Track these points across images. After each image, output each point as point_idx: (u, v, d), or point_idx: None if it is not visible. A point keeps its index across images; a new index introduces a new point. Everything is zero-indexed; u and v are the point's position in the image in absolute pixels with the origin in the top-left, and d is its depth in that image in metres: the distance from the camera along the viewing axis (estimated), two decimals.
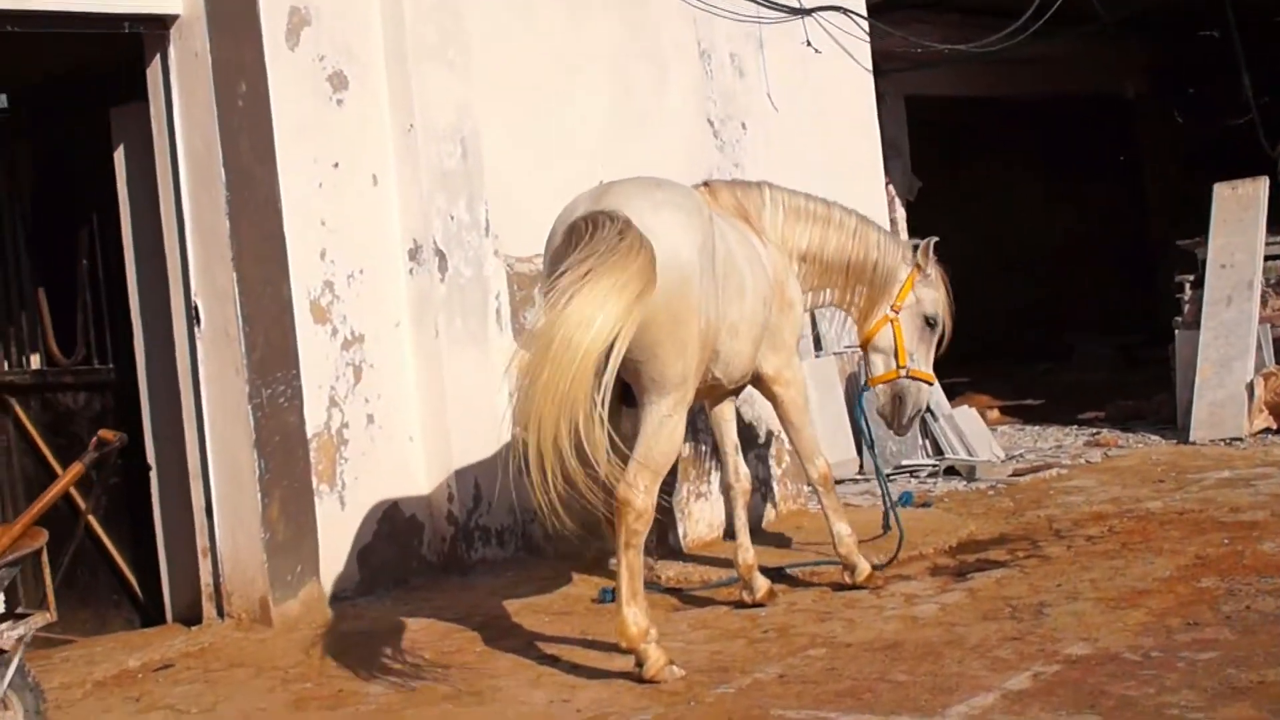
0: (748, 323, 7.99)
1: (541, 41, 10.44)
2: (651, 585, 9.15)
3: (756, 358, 8.33)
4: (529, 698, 7.23)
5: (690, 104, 11.55)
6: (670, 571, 9.47)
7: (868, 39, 13.09)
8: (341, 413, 9.40)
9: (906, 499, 10.99)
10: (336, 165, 9.47)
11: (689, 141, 11.44)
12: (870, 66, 13.37)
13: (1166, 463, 12.07)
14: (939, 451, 12.57)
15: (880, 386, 9.12)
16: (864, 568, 8.80)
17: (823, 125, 12.87)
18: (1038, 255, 20.95)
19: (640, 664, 7.29)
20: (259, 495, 8.78)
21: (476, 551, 9.91)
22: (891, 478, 12.16)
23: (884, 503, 9.71)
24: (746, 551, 8.70)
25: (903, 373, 9.02)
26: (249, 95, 8.89)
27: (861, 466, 12.44)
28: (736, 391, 8.80)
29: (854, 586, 8.77)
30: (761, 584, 8.64)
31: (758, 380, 8.64)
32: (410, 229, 9.80)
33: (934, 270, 9.11)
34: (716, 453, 10.00)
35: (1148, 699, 6.38)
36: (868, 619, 8.14)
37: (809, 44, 12.27)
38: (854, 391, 12.21)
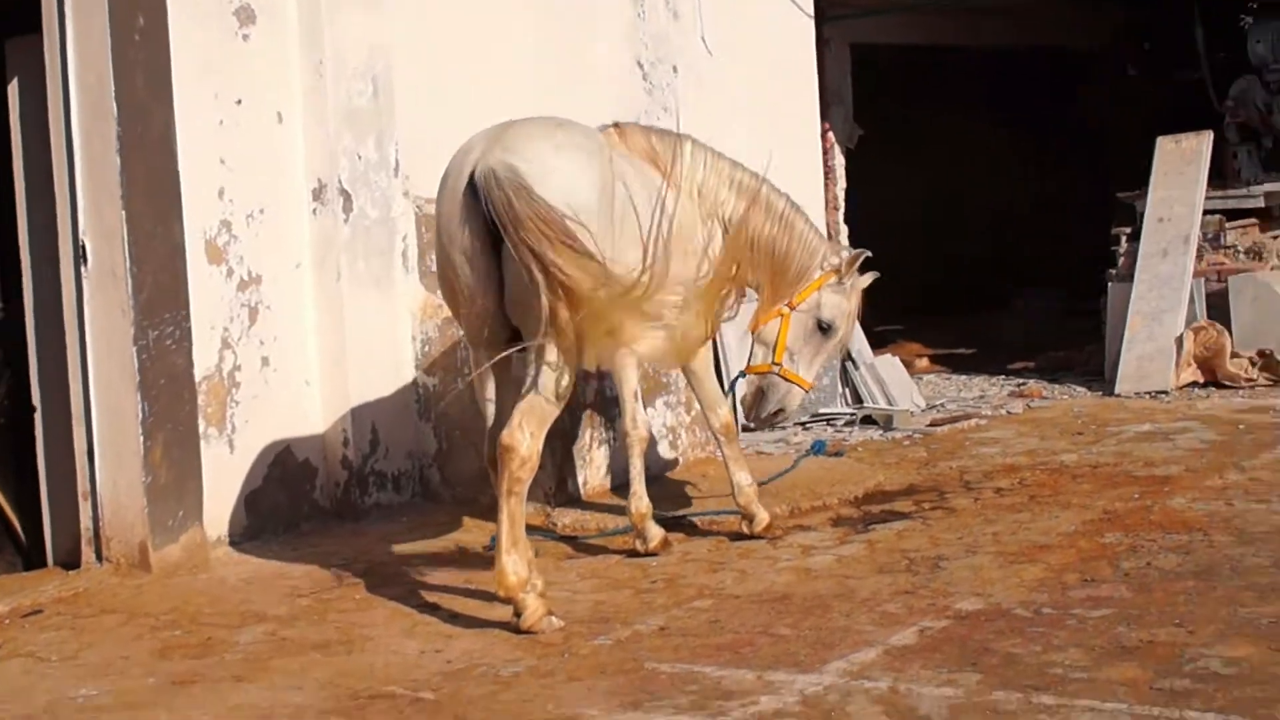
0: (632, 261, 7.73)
1: None
2: (546, 533, 8.96)
3: None
4: (401, 647, 6.98)
5: (620, 47, 11.32)
6: (566, 519, 9.21)
7: None
8: (235, 355, 9.14)
9: (819, 447, 10.77)
10: (239, 102, 9.19)
11: (617, 84, 11.21)
12: (811, 12, 13.11)
13: (1088, 415, 11.86)
14: (859, 400, 12.31)
15: (751, 375, 8.85)
16: (762, 517, 8.57)
17: (759, 70, 12.67)
18: (989, 208, 20.65)
19: (518, 614, 7.06)
20: (141, 438, 8.49)
21: (371, 496, 9.67)
22: (807, 425, 11.94)
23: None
24: (640, 500, 8.45)
25: (775, 369, 8.68)
26: (146, 29, 8.54)
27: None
28: None
29: (752, 536, 8.54)
30: (655, 533, 8.40)
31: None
32: (314, 169, 9.56)
33: (851, 282, 8.77)
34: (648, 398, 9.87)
35: (1032, 657, 6.16)
36: (760, 570, 7.92)
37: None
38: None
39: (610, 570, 8.18)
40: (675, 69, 11.66)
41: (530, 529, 8.92)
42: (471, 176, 7.00)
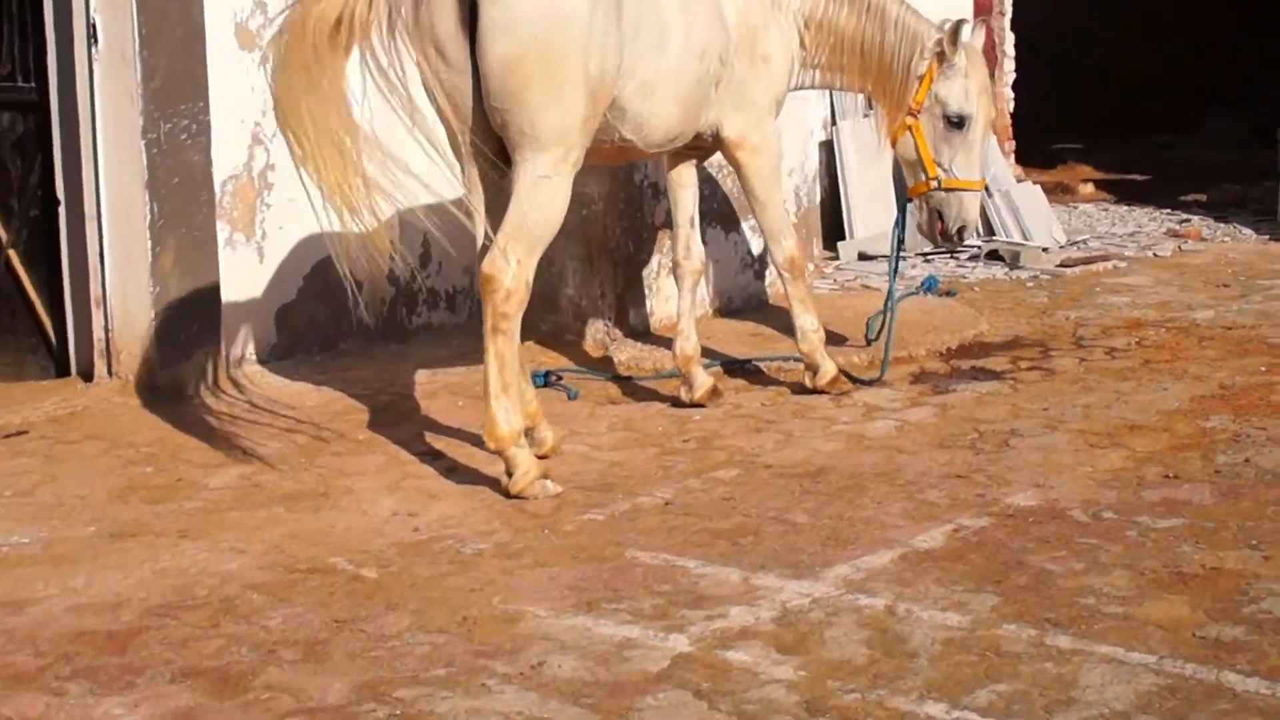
0: (671, 80, 6.74)
1: None
2: (597, 371, 8.09)
3: (702, 119, 7.10)
4: (374, 506, 6.19)
5: None
6: (624, 355, 8.34)
7: None
8: (267, 152, 8.29)
9: (929, 285, 9.68)
10: None
11: None
12: None
13: (1242, 264, 10.64)
14: (990, 231, 11.14)
15: (915, 199, 7.83)
16: (828, 369, 7.61)
17: None
18: (1186, 12, 18.95)
19: (509, 473, 6.21)
20: (149, 243, 7.75)
21: (420, 316, 8.88)
22: (928, 257, 10.84)
23: (886, 303, 8.35)
24: (687, 340, 7.54)
25: (934, 184, 7.65)
26: None
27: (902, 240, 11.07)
28: (698, 154, 7.57)
29: (815, 390, 7.59)
30: (701, 381, 7.49)
31: (719, 143, 7.38)
32: None
33: (962, 57, 7.62)
34: (720, 223, 8.93)
35: (1069, 578, 5.19)
36: (808, 434, 6.99)
37: None
38: None
39: (644, 422, 7.30)
40: None
41: (581, 366, 8.14)
42: None
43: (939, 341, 8.44)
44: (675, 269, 7.70)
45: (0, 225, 8.81)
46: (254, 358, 8.31)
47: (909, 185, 7.87)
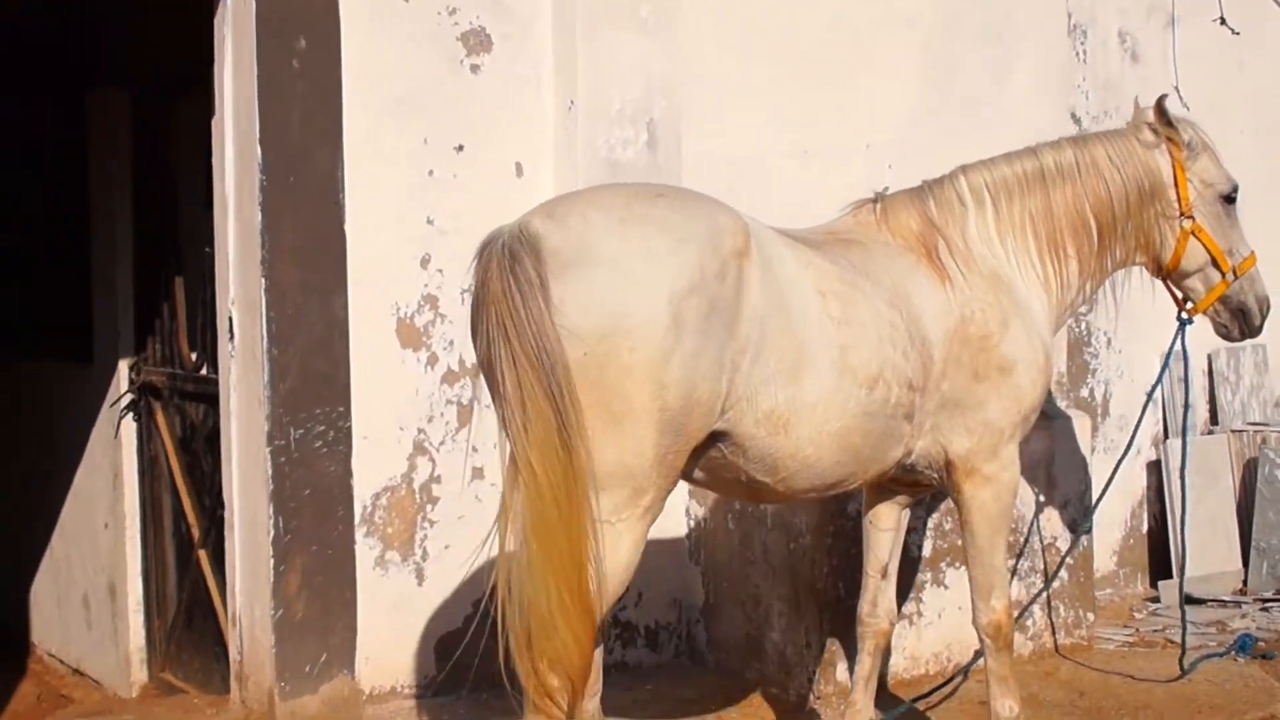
0: (820, 412, 5.30)
1: None
2: None
3: (889, 457, 5.71)
4: None
5: (1046, 90, 8.89)
6: (828, 716, 6.97)
7: None
8: (432, 463, 7.37)
9: (1244, 644, 7.92)
10: (460, 149, 7.43)
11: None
12: None
13: None
14: None
15: (1212, 309, 6.48)
16: None
17: (1266, 130, 9.90)
18: None
19: None
20: (271, 561, 6.90)
21: (614, 653, 7.72)
22: (1267, 606, 8.97)
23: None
24: (859, 714, 6.21)
25: (1230, 278, 6.34)
26: (308, 53, 6.93)
27: (1245, 582, 9.31)
28: (911, 490, 6.22)
29: None
30: None
31: (945, 468, 6.00)
32: None
33: (1189, 129, 6.32)
34: (963, 561, 7.41)
35: None
36: None
37: (1222, 21, 9.31)
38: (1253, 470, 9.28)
39: None
40: None
41: None
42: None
43: None
44: (859, 625, 6.32)
45: (195, 524, 8.25)
46: (412, 689, 7.32)
47: (1193, 305, 6.49)
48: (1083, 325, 9.16)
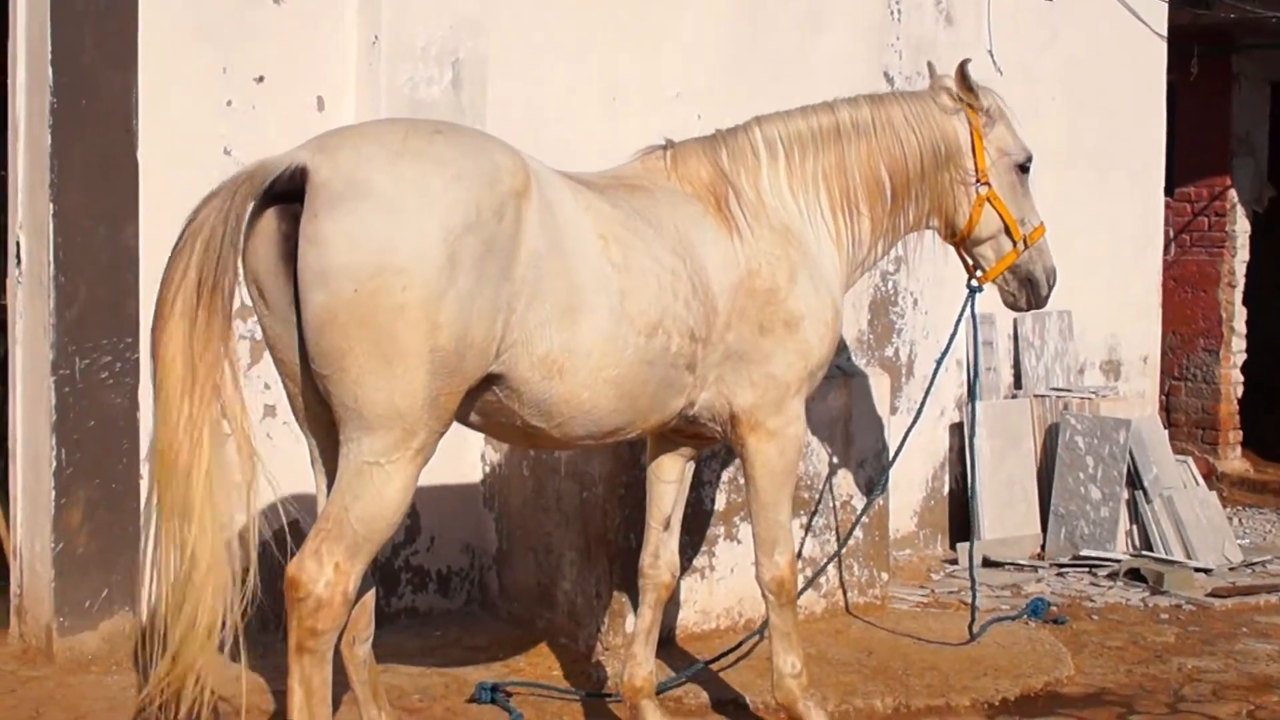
0: (595, 358, 5.23)
1: None
2: (559, 688, 6.74)
3: (670, 406, 5.67)
4: None
5: (859, 50, 8.90)
6: (615, 667, 6.92)
7: None
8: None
9: (1038, 607, 8.02)
10: (260, 79, 7.30)
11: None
12: (1164, 31, 10.33)
13: None
14: (1147, 546, 9.32)
15: (1000, 278, 6.47)
16: None
17: (1074, 101, 9.99)
18: None
19: None
20: (54, 494, 6.75)
21: (405, 598, 7.65)
22: (1063, 570, 9.12)
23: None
24: (639, 666, 6.14)
25: (1021, 247, 6.35)
26: None
27: (1044, 546, 9.43)
28: (694, 443, 6.18)
29: None
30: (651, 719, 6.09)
31: (729, 422, 5.93)
32: None
33: (988, 96, 6.33)
34: (745, 511, 7.42)
35: None
36: None
37: None
38: (1052, 437, 9.41)
39: None
40: None
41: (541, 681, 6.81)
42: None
43: (994, 688, 6.80)
44: (640, 577, 6.29)
45: None
46: None
47: (983, 273, 6.47)
48: (889, 285, 9.20)
